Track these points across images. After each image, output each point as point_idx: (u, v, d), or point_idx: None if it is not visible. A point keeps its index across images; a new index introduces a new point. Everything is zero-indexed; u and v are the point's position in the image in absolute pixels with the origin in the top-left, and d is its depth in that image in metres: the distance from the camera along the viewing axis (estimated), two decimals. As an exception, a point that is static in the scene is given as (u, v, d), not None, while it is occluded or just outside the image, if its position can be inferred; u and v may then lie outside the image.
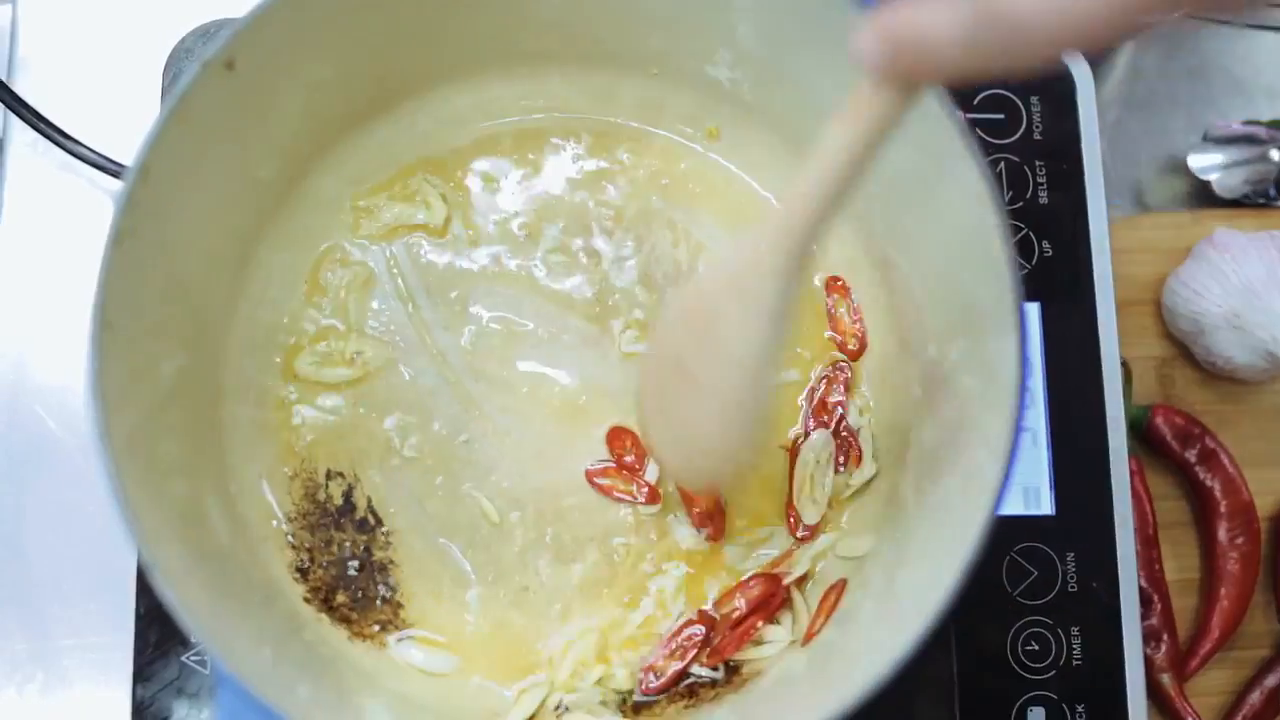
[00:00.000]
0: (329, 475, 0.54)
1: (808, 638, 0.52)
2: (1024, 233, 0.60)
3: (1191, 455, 0.63)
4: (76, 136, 0.58)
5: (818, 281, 0.57)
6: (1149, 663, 0.60)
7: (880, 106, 0.36)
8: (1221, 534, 0.63)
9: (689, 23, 0.52)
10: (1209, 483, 0.63)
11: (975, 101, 0.61)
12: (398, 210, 0.57)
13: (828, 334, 0.57)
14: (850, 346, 0.56)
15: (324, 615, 0.52)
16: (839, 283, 0.57)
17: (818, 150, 0.38)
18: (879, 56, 0.34)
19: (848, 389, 0.56)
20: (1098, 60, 0.69)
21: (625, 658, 0.53)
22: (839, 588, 0.52)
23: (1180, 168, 0.69)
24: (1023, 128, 0.61)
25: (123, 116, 0.58)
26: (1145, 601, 0.61)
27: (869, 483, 0.55)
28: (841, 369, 0.56)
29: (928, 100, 0.43)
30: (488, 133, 0.58)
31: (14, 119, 0.60)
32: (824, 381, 0.56)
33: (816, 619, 0.52)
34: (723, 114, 0.57)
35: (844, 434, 0.55)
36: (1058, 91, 0.62)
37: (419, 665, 0.52)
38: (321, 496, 0.54)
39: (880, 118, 0.36)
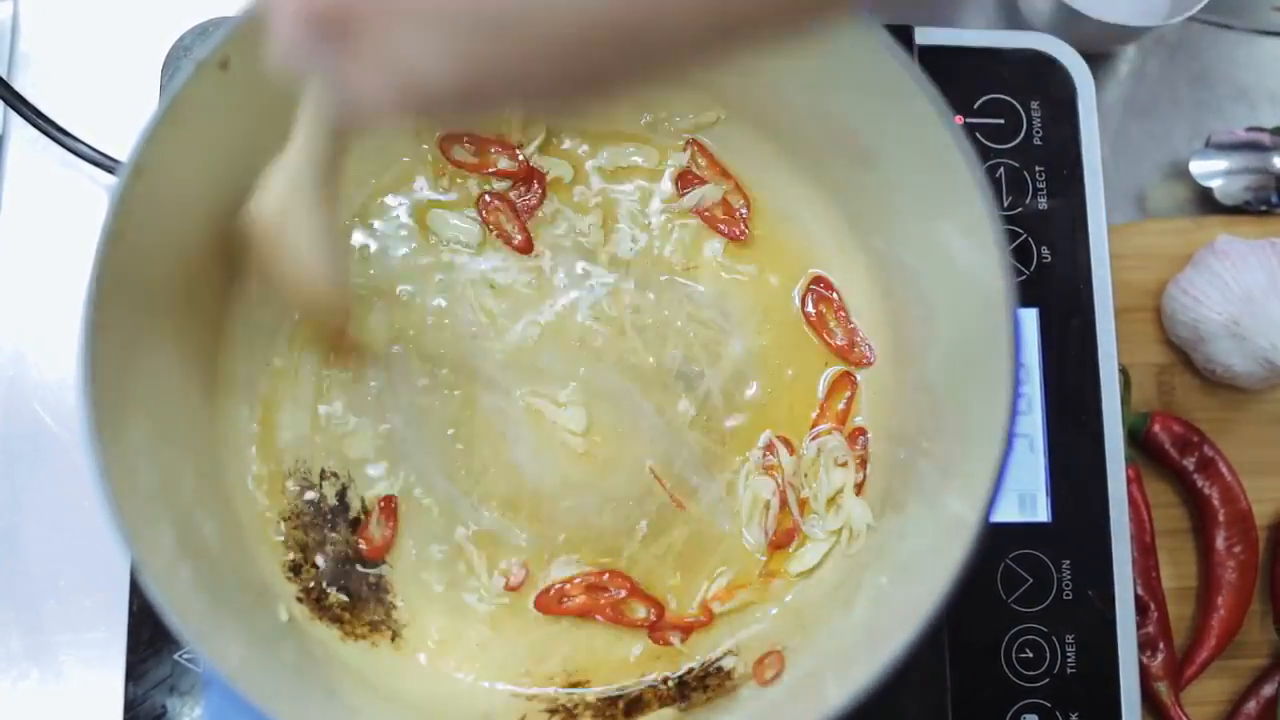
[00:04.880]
0: (323, 475, 0.54)
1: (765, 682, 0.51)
2: (1023, 238, 0.60)
3: (1190, 463, 0.63)
4: (76, 133, 0.59)
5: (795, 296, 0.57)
6: (1145, 671, 0.60)
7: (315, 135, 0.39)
8: (1219, 542, 0.62)
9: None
10: (1207, 491, 0.63)
11: (975, 106, 0.61)
12: (395, 211, 0.57)
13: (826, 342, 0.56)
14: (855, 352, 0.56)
15: (316, 615, 0.52)
16: (822, 284, 0.57)
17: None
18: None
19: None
20: (1098, 65, 0.69)
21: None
22: (778, 656, 0.52)
23: (1182, 173, 0.68)
24: (1022, 133, 0.61)
25: (122, 114, 0.58)
26: (1142, 609, 0.60)
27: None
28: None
29: (922, 104, 0.43)
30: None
31: (14, 115, 0.60)
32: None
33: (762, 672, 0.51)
34: (721, 114, 0.57)
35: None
36: (1058, 96, 0.61)
37: (411, 665, 0.52)
38: (315, 496, 0.54)
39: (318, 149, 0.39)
